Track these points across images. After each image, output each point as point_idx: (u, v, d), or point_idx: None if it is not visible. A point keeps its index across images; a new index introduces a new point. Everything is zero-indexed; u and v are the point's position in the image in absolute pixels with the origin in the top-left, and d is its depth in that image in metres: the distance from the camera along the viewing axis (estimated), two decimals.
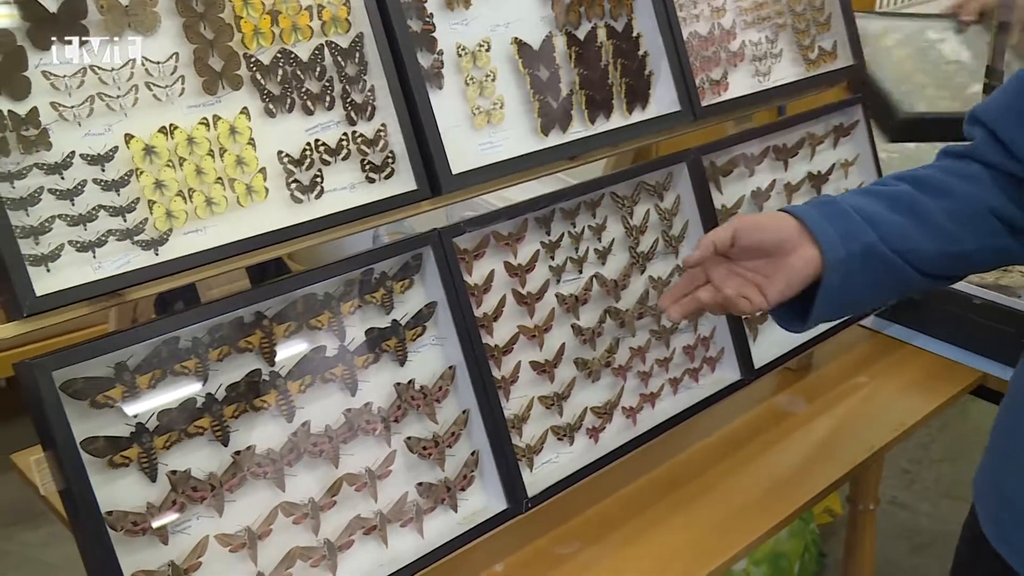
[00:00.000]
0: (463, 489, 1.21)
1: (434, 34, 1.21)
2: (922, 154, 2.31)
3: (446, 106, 1.21)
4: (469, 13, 1.25)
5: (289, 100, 1.09)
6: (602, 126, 1.37)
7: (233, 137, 1.05)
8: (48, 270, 0.93)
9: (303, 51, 1.10)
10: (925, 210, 1.05)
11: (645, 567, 1.28)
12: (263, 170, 1.07)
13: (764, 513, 1.37)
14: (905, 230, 1.05)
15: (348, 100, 1.13)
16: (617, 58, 1.38)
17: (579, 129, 1.35)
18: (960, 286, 1.70)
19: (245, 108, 1.06)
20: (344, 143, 1.13)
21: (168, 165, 1.00)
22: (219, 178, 1.04)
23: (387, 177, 1.16)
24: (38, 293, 0.91)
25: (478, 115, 1.24)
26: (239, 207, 1.05)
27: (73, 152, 0.95)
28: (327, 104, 1.12)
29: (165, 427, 0.99)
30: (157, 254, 1.00)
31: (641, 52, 1.41)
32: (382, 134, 1.16)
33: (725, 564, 1.29)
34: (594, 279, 1.35)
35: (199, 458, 1.02)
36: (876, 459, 1.53)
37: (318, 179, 1.11)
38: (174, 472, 1.00)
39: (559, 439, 1.31)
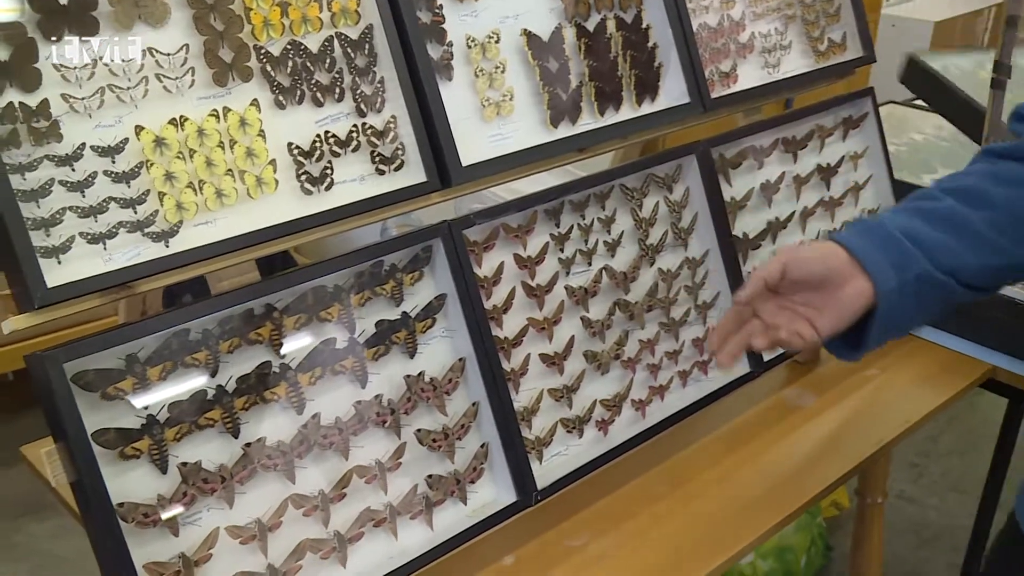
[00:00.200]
0: (472, 481, 1.21)
1: (444, 25, 1.21)
2: (930, 146, 2.31)
3: (456, 98, 1.21)
4: (478, 4, 1.25)
5: (299, 92, 1.09)
6: (611, 118, 1.37)
7: (243, 129, 1.05)
8: (59, 262, 0.93)
9: (313, 43, 1.10)
10: (970, 225, 1.03)
11: (654, 560, 1.27)
12: (273, 162, 1.07)
13: (773, 506, 1.36)
14: (952, 247, 1.02)
15: (358, 92, 1.13)
16: (627, 50, 1.38)
17: (588, 121, 1.34)
18: None
19: (255, 100, 1.06)
20: (354, 135, 1.13)
21: (178, 157, 1.00)
22: (229, 170, 1.04)
23: (397, 169, 1.16)
24: (49, 285, 0.92)
25: (488, 107, 1.24)
26: (249, 199, 1.05)
27: (84, 144, 0.95)
28: (337, 96, 1.12)
29: (176, 419, 0.99)
30: (167, 246, 1.00)
31: (651, 44, 1.41)
32: (392, 126, 1.16)
33: (734, 557, 1.29)
34: (603, 271, 1.35)
35: (209, 450, 1.03)
36: (884, 453, 1.52)
37: (328, 171, 1.11)
38: (185, 464, 1.00)
39: (568, 431, 1.31)
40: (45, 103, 0.93)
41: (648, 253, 1.40)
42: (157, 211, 0.99)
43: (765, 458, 1.47)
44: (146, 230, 0.99)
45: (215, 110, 1.03)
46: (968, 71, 2.19)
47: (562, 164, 1.33)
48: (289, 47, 1.08)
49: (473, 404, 1.21)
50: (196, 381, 1.02)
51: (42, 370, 0.90)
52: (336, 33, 1.12)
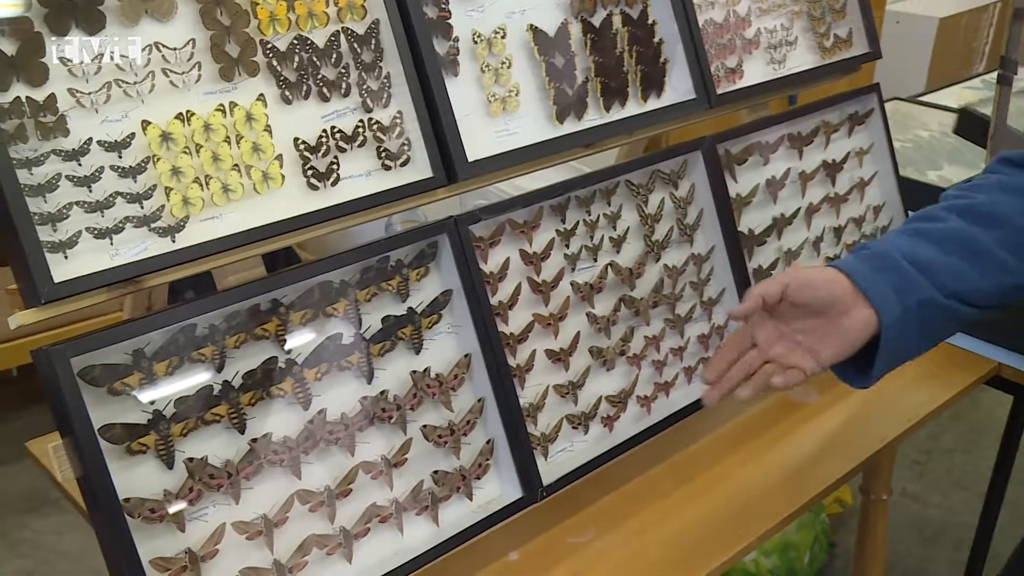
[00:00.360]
0: (478, 477, 1.21)
1: (450, 21, 1.20)
2: (935, 143, 2.31)
3: (462, 93, 1.21)
4: (485, 0, 1.24)
5: (305, 87, 1.09)
6: (617, 114, 1.36)
7: (249, 124, 1.05)
8: (66, 257, 0.93)
9: (319, 37, 1.10)
10: (979, 245, 1.01)
11: (658, 556, 1.27)
12: (279, 157, 1.07)
13: (777, 503, 1.36)
14: (960, 271, 1.01)
15: (364, 87, 1.13)
16: (632, 45, 1.38)
17: (594, 117, 1.34)
18: None
19: (261, 95, 1.06)
20: (360, 130, 1.13)
21: (185, 152, 1.00)
22: (235, 165, 1.04)
23: (403, 164, 1.16)
24: (56, 280, 0.91)
25: (493, 102, 1.24)
26: (255, 194, 1.05)
27: (90, 139, 0.95)
28: (343, 91, 1.12)
29: (182, 414, 0.99)
30: (174, 241, 1.00)
31: (656, 39, 1.41)
32: (398, 121, 1.15)
33: (738, 554, 1.29)
34: (609, 267, 1.35)
35: (216, 445, 1.03)
36: (889, 450, 1.52)
37: (334, 166, 1.10)
38: (191, 459, 1.00)
39: (574, 428, 1.31)
40: (52, 98, 0.93)
41: (653, 249, 1.40)
42: (163, 206, 0.99)
43: (770, 455, 1.47)
44: (152, 225, 0.98)
45: (221, 105, 1.03)
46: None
47: (567, 160, 1.33)
48: (295, 42, 1.08)
49: (479, 400, 1.21)
50: (202, 376, 1.02)
51: (49, 365, 0.90)
52: (342, 28, 1.11)
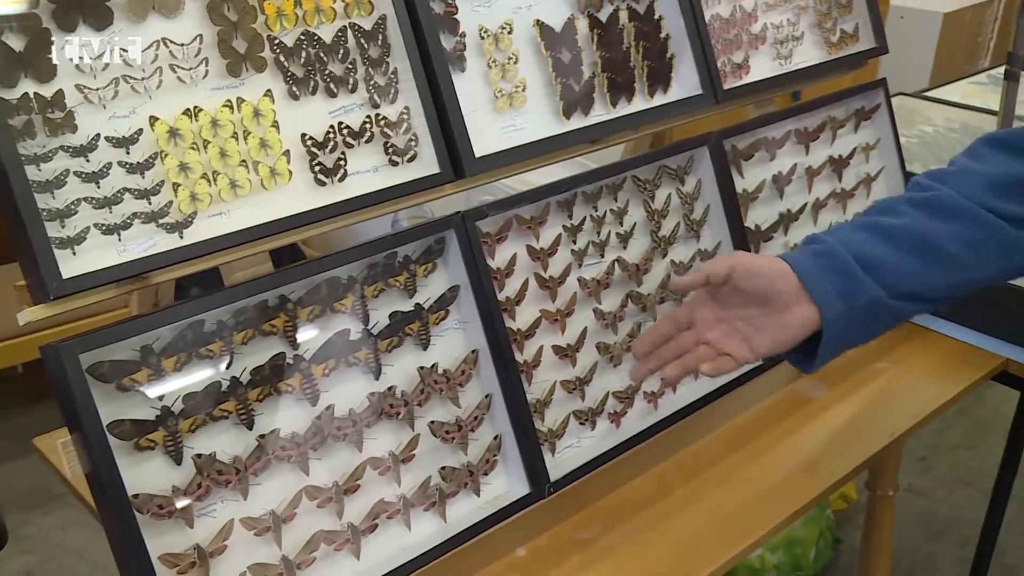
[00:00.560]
0: (486, 473, 1.21)
1: (456, 16, 1.20)
2: (941, 138, 2.30)
3: (468, 89, 1.21)
4: None
5: (312, 82, 1.09)
6: (624, 109, 1.36)
7: (257, 120, 1.04)
8: (74, 253, 0.93)
9: (326, 33, 1.10)
10: (935, 242, 1.01)
11: (666, 553, 1.27)
12: (287, 153, 1.06)
13: (785, 499, 1.36)
14: (912, 270, 1.01)
15: (371, 83, 1.13)
16: (639, 40, 1.37)
17: (601, 112, 1.34)
18: None
19: (269, 90, 1.05)
20: (367, 126, 1.12)
21: (192, 148, 1.00)
22: (243, 161, 1.04)
23: (410, 160, 1.16)
24: (64, 276, 0.91)
25: (500, 98, 1.24)
26: (263, 190, 1.05)
27: (98, 135, 0.95)
28: (350, 87, 1.12)
29: (190, 410, 0.99)
30: (182, 237, 1.00)
31: (663, 34, 1.41)
32: (405, 117, 1.15)
33: (746, 550, 1.29)
34: (616, 263, 1.34)
35: (224, 441, 1.02)
36: (897, 445, 1.52)
37: (341, 162, 1.10)
38: (199, 455, 1.00)
39: (581, 423, 1.31)
40: (60, 94, 0.92)
41: (660, 245, 1.40)
42: (171, 202, 0.99)
43: (777, 451, 1.46)
44: (160, 221, 0.98)
45: (229, 101, 1.03)
46: None
47: (574, 155, 1.33)
48: (303, 37, 1.08)
49: (486, 396, 1.21)
50: (210, 372, 1.01)
51: (57, 361, 0.90)
52: (350, 24, 1.11)
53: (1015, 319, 1.65)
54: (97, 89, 0.95)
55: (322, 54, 1.09)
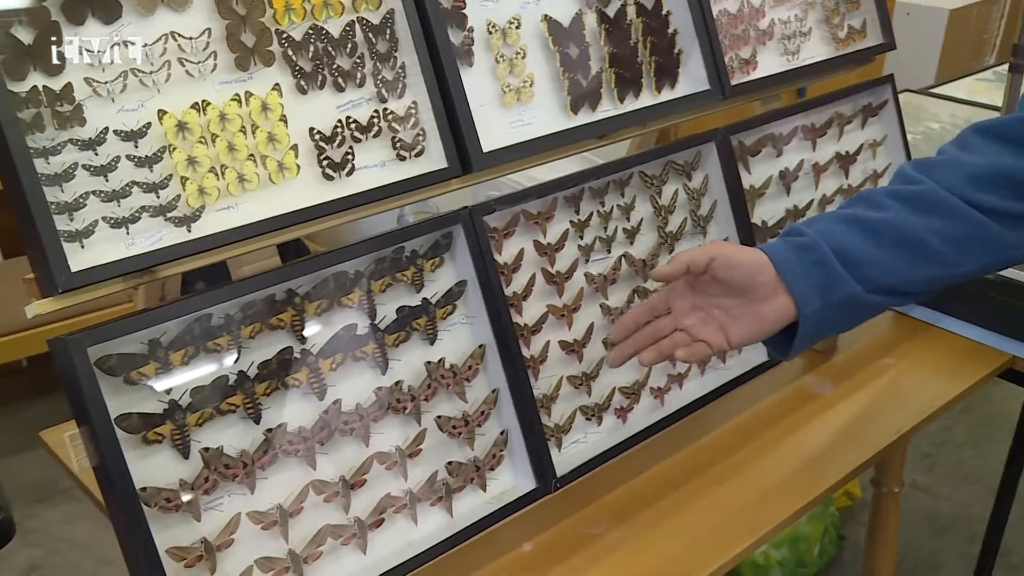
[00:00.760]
0: (492, 468, 1.21)
1: (464, 11, 1.20)
2: (947, 135, 2.29)
3: (476, 84, 1.21)
4: None
5: (320, 77, 1.09)
6: (631, 105, 1.36)
7: (265, 114, 1.04)
8: (82, 246, 0.93)
9: (334, 27, 1.10)
10: (917, 237, 1.01)
11: (672, 548, 1.27)
12: (295, 147, 1.06)
13: (791, 495, 1.36)
14: (891, 266, 1.01)
15: (379, 77, 1.13)
16: (647, 36, 1.37)
17: (608, 108, 1.34)
18: None
19: (277, 84, 1.05)
20: (375, 120, 1.12)
21: (200, 141, 1.00)
22: (251, 155, 1.04)
23: (418, 155, 1.16)
24: (73, 269, 0.91)
25: (508, 93, 1.24)
26: (271, 184, 1.05)
27: (107, 128, 0.95)
28: (358, 81, 1.12)
29: (198, 404, 0.99)
30: (190, 231, 1.00)
31: (671, 30, 1.40)
32: (413, 111, 1.15)
33: (752, 546, 1.29)
34: (623, 259, 1.34)
35: (231, 435, 1.03)
36: (903, 441, 1.52)
37: (349, 156, 1.10)
38: (207, 449, 1.00)
39: (587, 419, 1.31)
40: (69, 87, 0.92)
41: (667, 240, 1.39)
42: (179, 196, 0.99)
43: (783, 447, 1.46)
44: (168, 215, 0.98)
45: (237, 95, 1.03)
46: None
47: (581, 151, 1.32)
48: (311, 32, 1.08)
49: (493, 391, 1.21)
50: (218, 366, 1.02)
51: (66, 354, 0.90)
52: (358, 18, 1.11)
53: (1022, 316, 1.65)
54: (106, 82, 0.95)
55: (330, 48, 1.09)
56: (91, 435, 0.92)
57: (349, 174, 1.10)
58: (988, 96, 2.52)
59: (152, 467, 0.97)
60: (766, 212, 1.54)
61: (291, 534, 1.05)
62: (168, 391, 0.98)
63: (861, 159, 1.68)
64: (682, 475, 1.40)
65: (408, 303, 1.15)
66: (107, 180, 0.95)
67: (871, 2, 1.70)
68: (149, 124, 0.97)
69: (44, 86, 0.91)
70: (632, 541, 1.28)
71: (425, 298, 1.16)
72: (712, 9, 1.44)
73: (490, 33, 1.22)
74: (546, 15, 1.28)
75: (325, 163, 1.09)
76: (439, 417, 1.17)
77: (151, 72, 0.98)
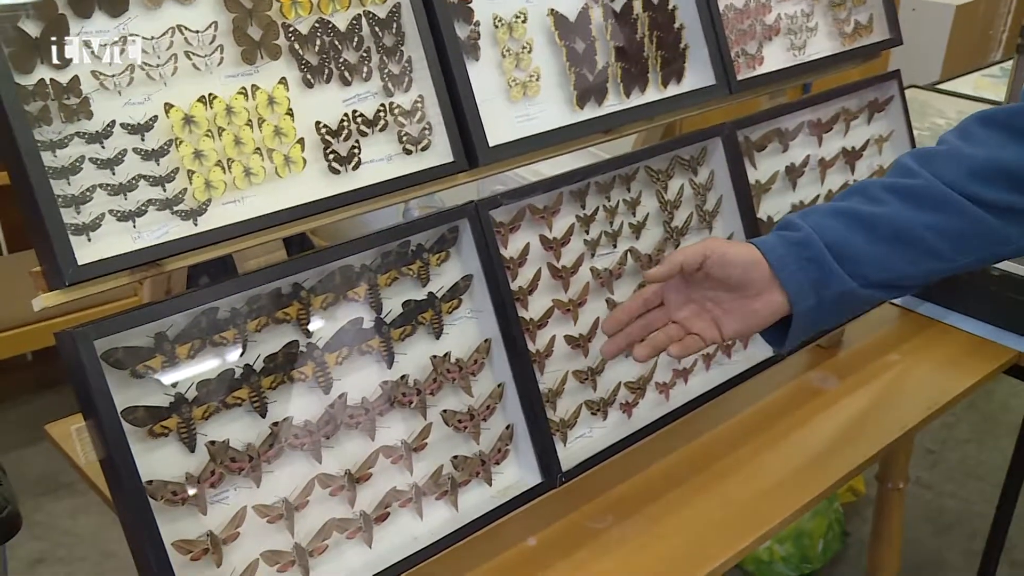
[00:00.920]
0: (498, 463, 1.21)
1: (471, 5, 1.20)
2: None
3: (482, 78, 1.20)
4: None
5: (327, 70, 1.08)
6: (637, 99, 1.36)
7: (271, 107, 1.04)
8: (89, 239, 0.93)
9: (341, 21, 1.09)
10: (913, 232, 1.01)
11: (676, 543, 1.27)
12: (301, 141, 1.06)
13: (796, 491, 1.36)
14: (887, 261, 1.01)
15: (385, 71, 1.13)
16: (653, 30, 1.37)
17: (614, 102, 1.34)
18: None
19: (283, 78, 1.05)
20: (381, 114, 1.12)
21: (207, 135, 1.00)
22: (257, 148, 1.03)
23: (424, 149, 1.15)
24: (79, 262, 0.91)
25: (514, 87, 1.23)
26: (277, 178, 1.05)
27: (113, 121, 0.95)
28: (364, 75, 1.11)
29: (204, 397, 0.99)
30: (196, 224, 0.99)
31: (677, 25, 1.40)
32: (419, 105, 1.15)
33: (757, 541, 1.29)
34: (628, 253, 1.34)
35: (237, 429, 1.03)
36: (908, 438, 1.52)
37: (355, 150, 1.10)
38: (213, 442, 1.00)
39: (593, 414, 1.30)
40: (75, 80, 0.92)
41: (673, 236, 1.39)
42: (186, 189, 0.99)
43: (788, 442, 1.46)
44: (175, 208, 0.98)
45: (243, 88, 1.03)
46: None
47: (587, 146, 1.32)
48: (317, 25, 1.07)
49: (498, 385, 1.21)
50: (224, 360, 1.02)
51: (72, 347, 0.90)
52: (364, 11, 1.11)
53: None
54: (112, 76, 0.95)
55: (336, 42, 1.09)
56: (97, 428, 0.92)
57: (355, 168, 1.10)
58: (994, 92, 2.51)
59: (158, 460, 0.97)
60: (772, 207, 1.54)
61: (297, 527, 1.05)
62: (174, 384, 0.98)
63: (867, 155, 1.68)
64: (687, 470, 1.40)
65: (414, 297, 1.15)
66: (114, 173, 0.95)
67: None
68: (156, 117, 0.97)
69: (51, 79, 0.91)
70: (637, 536, 1.29)
71: (431, 292, 1.16)
72: (719, 3, 1.44)
73: (496, 27, 1.22)
74: (552, 9, 1.27)
75: (331, 157, 1.09)
76: (445, 411, 1.17)
77: (158, 65, 0.97)
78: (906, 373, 1.63)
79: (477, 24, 1.20)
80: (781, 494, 1.35)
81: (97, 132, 0.94)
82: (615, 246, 1.33)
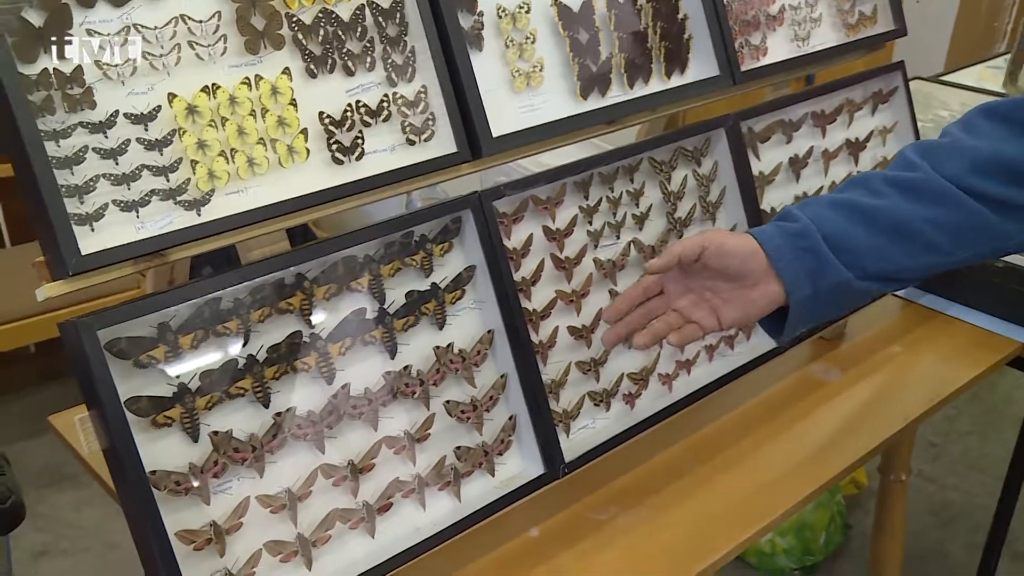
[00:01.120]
0: (500, 453, 1.21)
1: None
2: None
3: (486, 68, 1.20)
4: None
5: (330, 61, 1.08)
6: (641, 90, 1.36)
7: (275, 97, 1.04)
8: (92, 229, 0.93)
9: (344, 11, 1.09)
10: (912, 226, 1.01)
11: (679, 534, 1.27)
12: (304, 131, 1.06)
13: (798, 482, 1.36)
14: (885, 253, 1.01)
15: (389, 61, 1.12)
16: (656, 21, 1.37)
17: (618, 93, 1.33)
18: None
19: (287, 68, 1.05)
20: (385, 104, 1.12)
21: (210, 125, 1.00)
22: (261, 139, 1.03)
23: (427, 139, 1.15)
24: (83, 252, 0.91)
25: (518, 78, 1.23)
26: (280, 168, 1.05)
27: (117, 111, 0.95)
28: (368, 65, 1.11)
29: (207, 388, 0.99)
30: (199, 214, 0.99)
31: (680, 15, 1.40)
32: (422, 96, 1.15)
33: (759, 532, 1.29)
34: (632, 244, 1.34)
35: (240, 419, 1.03)
36: (911, 429, 1.52)
37: (359, 140, 1.10)
38: (216, 433, 1.00)
39: (596, 405, 1.31)
40: (79, 70, 0.92)
41: (676, 227, 1.39)
42: (189, 179, 0.99)
43: (791, 433, 1.46)
44: (178, 198, 0.98)
45: (247, 78, 1.02)
46: None
47: (590, 136, 1.32)
48: (320, 15, 1.07)
49: (501, 376, 1.21)
50: (227, 350, 1.02)
51: (76, 337, 0.90)
52: (367, 1, 1.11)
53: None
54: (116, 65, 0.94)
55: (340, 32, 1.09)
56: (101, 418, 0.92)
57: (359, 158, 1.10)
58: (999, 84, 2.51)
59: (161, 450, 0.97)
60: (775, 199, 1.53)
61: (300, 518, 1.05)
62: (177, 375, 0.98)
63: (871, 146, 1.68)
64: (689, 461, 1.40)
65: (417, 288, 1.15)
66: (117, 163, 0.95)
67: None
68: (159, 107, 0.97)
69: (55, 69, 0.91)
70: (639, 527, 1.29)
71: (434, 283, 1.16)
72: None
73: (500, 17, 1.22)
74: (556, 0, 1.27)
75: (335, 147, 1.08)
76: (448, 402, 1.17)
77: (161, 55, 0.97)
78: (909, 365, 1.63)
79: (481, 14, 1.20)
80: (783, 486, 1.35)
81: (100, 122, 0.94)
82: (618, 237, 1.33)
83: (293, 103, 1.05)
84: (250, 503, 1.02)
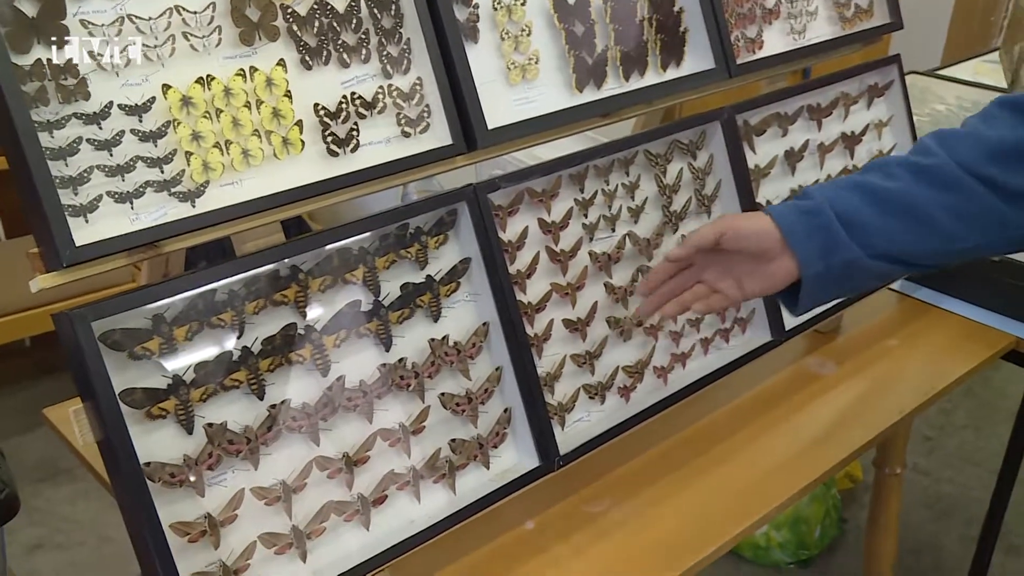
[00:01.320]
0: (495, 446, 1.21)
1: None
2: (953, 117, 2.29)
3: (481, 60, 1.20)
4: None
5: (325, 52, 1.08)
6: (636, 83, 1.35)
7: (270, 89, 1.04)
8: (86, 221, 0.93)
9: (339, 2, 1.09)
10: (923, 210, 1.03)
11: (673, 527, 1.27)
12: (299, 123, 1.06)
13: (793, 475, 1.36)
14: (894, 234, 1.04)
15: (384, 53, 1.12)
16: (652, 14, 1.37)
17: (613, 86, 1.33)
18: None
19: (282, 60, 1.05)
20: (380, 96, 1.12)
21: (205, 116, 1.00)
22: (255, 130, 1.03)
23: (422, 132, 1.15)
24: (77, 244, 0.91)
25: (513, 70, 1.23)
26: (275, 160, 1.05)
27: (111, 102, 0.94)
28: (363, 57, 1.11)
29: (201, 380, 0.99)
30: (194, 206, 0.99)
31: (676, 8, 1.40)
32: (418, 88, 1.15)
33: (754, 525, 1.29)
34: (627, 237, 1.34)
35: (235, 411, 1.02)
36: (906, 422, 1.52)
37: (354, 132, 1.10)
38: (210, 425, 1.00)
39: (591, 397, 1.31)
40: (73, 60, 0.92)
41: (672, 220, 1.39)
42: (184, 171, 0.99)
43: (786, 426, 1.47)
44: (173, 190, 0.98)
45: (242, 69, 1.02)
46: None
47: (586, 129, 1.32)
48: (316, 6, 1.07)
49: (496, 369, 1.21)
50: (222, 342, 1.01)
51: (70, 328, 0.90)
52: None
53: None
54: (110, 56, 0.94)
55: (335, 24, 1.08)
56: (95, 410, 0.92)
57: (354, 150, 1.10)
58: (995, 78, 2.51)
59: (156, 442, 0.97)
60: (771, 192, 1.53)
61: (294, 510, 1.05)
62: (172, 367, 0.98)
63: (867, 139, 1.68)
64: (684, 454, 1.40)
65: (412, 280, 1.15)
66: (111, 154, 0.95)
67: None
68: (153, 98, 0.97)
69: (48, 59, 0.90)
70: (634, 519, 1.29)
71: (429, 275, 1.16)
72: None
73: (495, 9, 1.22)
74: None
75: (330, 139, 1.08)
76: (442, 394, 1.17)
77: (155, 46, 0.97)
78: (904, 358, 1.63)
79: (476, 6, 1.20)
80: (778, 478, 1.35)
81: (95, 113, 0.93)
82: (614, 230, 1.33)
83: (288, 95, 1.05)
84: (245, 495, 1.02)
